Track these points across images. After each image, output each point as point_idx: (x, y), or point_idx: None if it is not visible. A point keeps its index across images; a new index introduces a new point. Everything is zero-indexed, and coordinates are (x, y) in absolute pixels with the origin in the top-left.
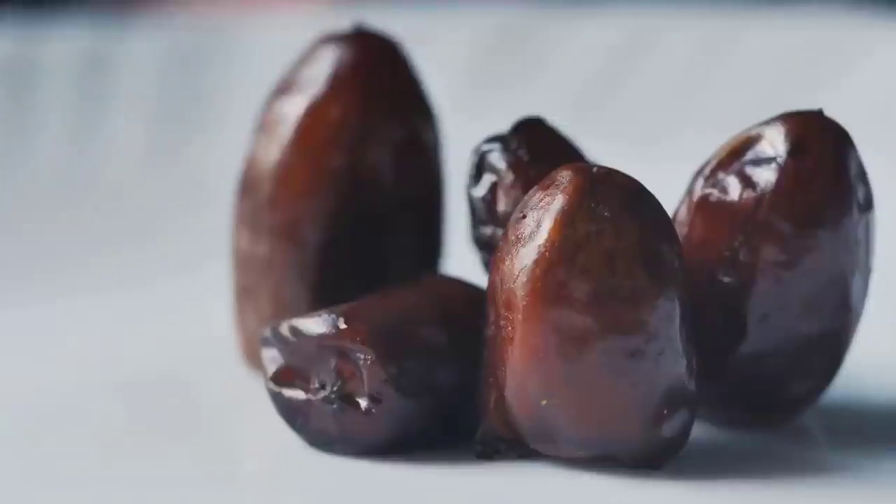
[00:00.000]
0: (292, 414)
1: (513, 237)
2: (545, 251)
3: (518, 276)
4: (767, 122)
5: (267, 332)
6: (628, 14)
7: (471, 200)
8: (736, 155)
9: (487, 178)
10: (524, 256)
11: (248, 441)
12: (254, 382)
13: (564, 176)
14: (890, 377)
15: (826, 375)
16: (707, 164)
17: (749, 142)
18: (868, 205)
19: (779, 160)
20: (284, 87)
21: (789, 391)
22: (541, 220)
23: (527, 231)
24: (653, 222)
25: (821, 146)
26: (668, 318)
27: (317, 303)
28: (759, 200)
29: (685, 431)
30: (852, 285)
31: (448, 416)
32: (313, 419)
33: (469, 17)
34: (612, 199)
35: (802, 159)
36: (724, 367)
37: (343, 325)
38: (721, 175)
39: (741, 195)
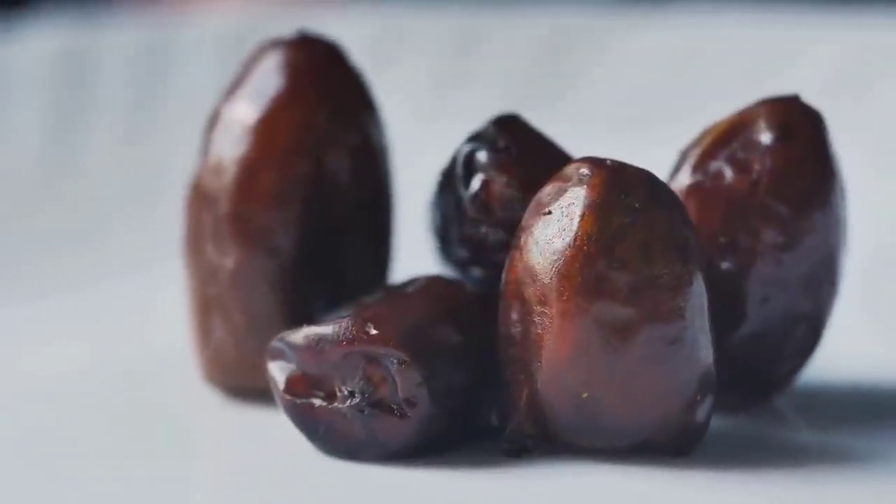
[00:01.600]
0: (313, 424)
1: (539, 234)
2: (583, 245)
3: (552, 271)
4: (749, 109)
5: (276, 343)
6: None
7: (459, 201)
8: (722, 142)
9: (478, 178)
10: (557, 252)
11: (206, 453)
12: (206, 390)
13: (585, 170)
14: (852, 356)
15: (808, 354)
16: (688, 153)
17: (734, 128)
18: (844, 185)
19: (769, 145)
20: (234, 93)
21: (776, 372)
22: (570, 214)
23: (555, 227)
24: (678, 210)
25: (806, 130)
26: (699, 304)
27: (290, 312)
28: (754, 185)
29: (710, 416)
30: (839, 264)
31: (468, 417)
32: (338, 427)
33: (416, 21)
34: (638, 190)
35: (791, 143)
36: (720, 352)
37: (374, 331)
38: (711, 162)
39: (735, 181)
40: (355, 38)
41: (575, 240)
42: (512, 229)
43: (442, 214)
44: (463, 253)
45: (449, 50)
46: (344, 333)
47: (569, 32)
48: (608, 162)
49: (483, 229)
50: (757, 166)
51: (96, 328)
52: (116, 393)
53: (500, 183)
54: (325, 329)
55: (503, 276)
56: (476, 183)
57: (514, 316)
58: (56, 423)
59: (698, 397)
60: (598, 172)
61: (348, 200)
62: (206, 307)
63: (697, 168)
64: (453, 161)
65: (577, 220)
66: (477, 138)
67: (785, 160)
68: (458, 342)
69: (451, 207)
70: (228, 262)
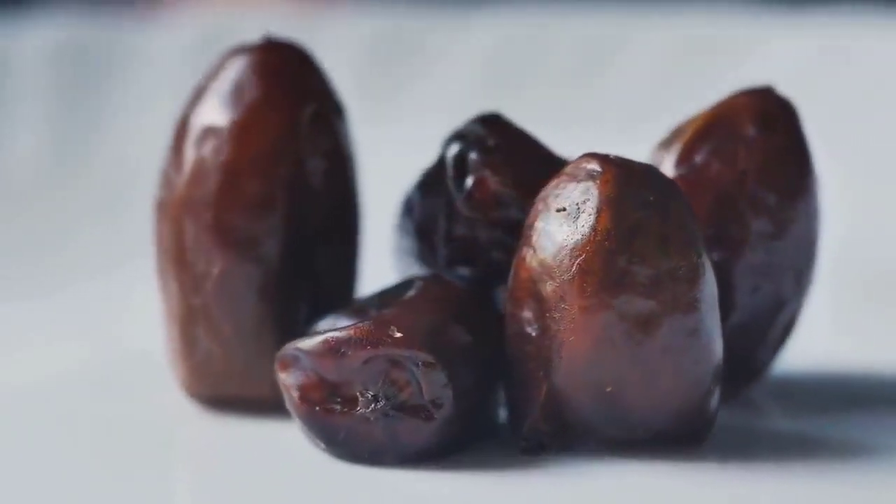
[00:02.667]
0: (332, 430)
1: (553, 231)
2: (603, 241)
3: (573, 268)
4: (726, 102)
5: (287, 352)
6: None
7: (448, 201)
8: (704, 135)
9: (471, 178)
10: (576, 249)
11: (187, 464)
12: (183, 398)
13: (593, 166)
14: (816, 343)
15: (785, 342)
16: (668, 147)
17: (714, 121)
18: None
19: (754, 135)
20: (202, 99)
21: (758, 360)
22: (586, 211)
23: (570, 224)
24: (684, 202)
25: (785, 119)
26: (712, 294)
27: (277, 318)
28: (742, 176)
29: (718, 405)
30: (818, 252)
31: (478, 417)
32: (359, 432)
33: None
34: (649, 184)
35: (774, 133)
36: None
37: (398, 334)
38: (695, 156)
39: (721, 173)
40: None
41: (595, 235)
42: (507, 227)
43: (422, 215)
44: (452, 252)
45: (378, 52)
46: (367, 337)
47: (515, 32)
48: (613, 157)
49: (477, 228)
50: (743, 157)
51: (63, 334)
52: (90, 402)
53: (494, 182)
54: (345, 334)
55: (512, 274)
56: (470, 183)
57: (529, 314)
58: (28, 433)
59: (712, 387)
60: (609, 168)
61: (324, 204)
62: (190, 317)
63: (681, 162)
64: (438, 162)
65: (594, 215)
66: (462, 138)
67: (770, 150)
68: (468, 342)
69: (434, 208)
70: (214, 270)
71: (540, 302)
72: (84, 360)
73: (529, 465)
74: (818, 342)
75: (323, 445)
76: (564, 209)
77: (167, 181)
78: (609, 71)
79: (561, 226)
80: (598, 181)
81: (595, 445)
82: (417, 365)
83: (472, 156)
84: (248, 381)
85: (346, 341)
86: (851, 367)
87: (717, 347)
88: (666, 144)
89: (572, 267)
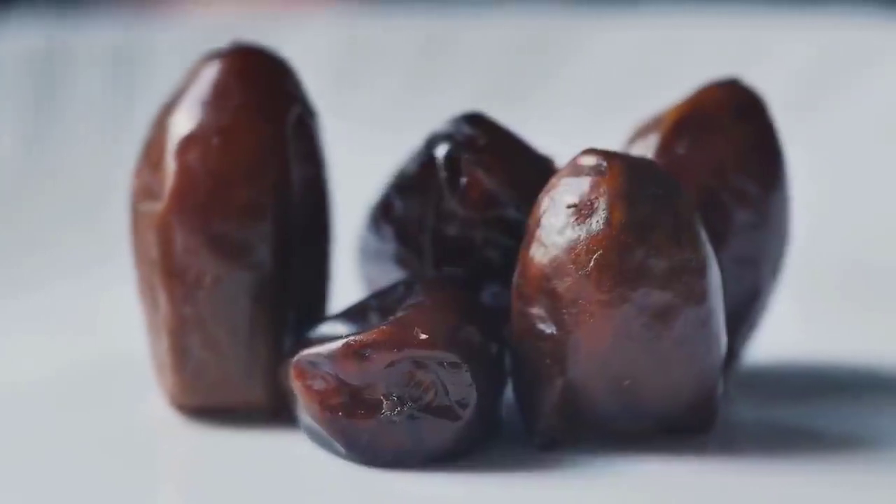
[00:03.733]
0: (355, 435)
1: (563, 228)
2: (619, 235)
3: (590, 264)
4: (698, 94)
5: (303, 360)
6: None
7: (438, 201)
8: (680, 127)
9: (464, 178)
10: (591, 243)
11: (172, 472)
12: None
13: (598, 161)
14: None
15: (752, 333)
16: (643, 140)
17: (689, 113)
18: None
19: (731, 126)
20: (180, 107)
21: (733, 348)
22: (597, 206)
23: (582, 219)
24: (686, 194)
25: (758, 110)
26: (718, 284)
27: (271, 324)
28: (721, 166)
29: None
30: (790, 241)
31: (495, 415)
32: (383, 436)
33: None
34: (653, 176)
35: (749, 123)
36: None
37: (423, 335)
38: (673, 148)
39: (701, 164)
40: None
41: (610, 230)
42: (503, 226)
43: (403, 217)
44: (442, 253)
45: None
46: (391, 340)
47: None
48: (614, 152)
49: (471, 228)
50: (721, 147)
51: (38, 336)
52: (68, 405)
53: (488, 181)
54: (368, 337)
55: (518, 271)
56: (464, 182)
57: (541, 311)
58: (5, 438)
59: (719, 375)
60: (614, 162)
61: (306, 208)
62: (182, 328)
63: (660, 154)
64: (420, 162)
65: (607, 210)
66: (449, 138)
67: (746, 140)
68: (481, 341)
69: (416, 209)
70: (206, 278)
71: (553, 298)
72: (61, 362)
73: (545, 463)
74: (778, 331)
75: (343, 451)
76: (575, 205)
77: (147, 191)
78: (564, 70)
79: (572, 222)
80: (605, 175)
81: (605, 438)
82: (443, 365)
83: (466, 156)
84: (242, 388)
85: (370, 344)
86: (813, 357)
87: (724, 337)
88: (641, 136)
89: (589, 262)
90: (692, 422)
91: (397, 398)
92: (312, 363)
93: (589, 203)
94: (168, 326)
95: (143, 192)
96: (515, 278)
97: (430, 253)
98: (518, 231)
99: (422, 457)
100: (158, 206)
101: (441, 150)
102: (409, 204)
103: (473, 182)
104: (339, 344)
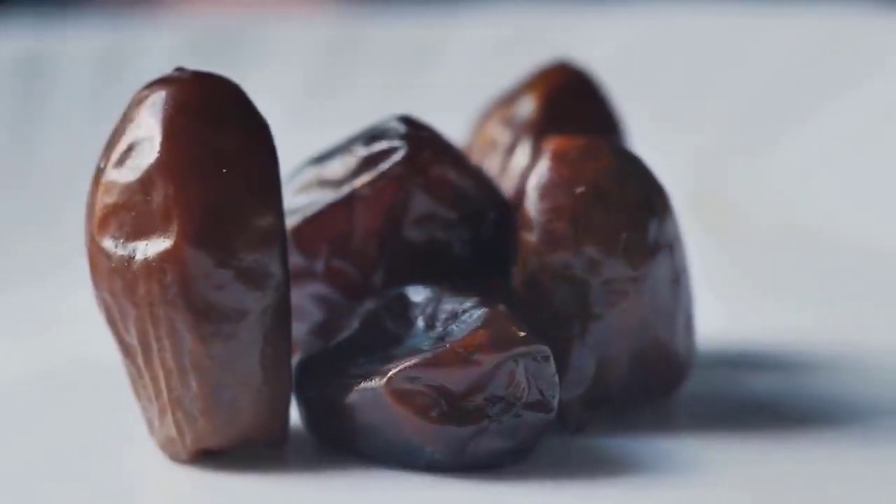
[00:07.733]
0: (460, 445)
1: (569, 217)
2: (637, 213)
3: (619, 243)
4: (543, 74)
5: (402, 379)
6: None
7: (391, 207)
8: (548, 110)
9: (426, 175)
10: (613, 226)
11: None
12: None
13: (574, 146)
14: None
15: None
16: (514, 128)
17: (547, 91)
18: None
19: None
20: (139, 149)
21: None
22: (598, 192)
23: (584, 206)
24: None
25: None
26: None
27: (289, 353)
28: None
29: None
30: None
31: None
32: (487, 440)
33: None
34: (619, 157)
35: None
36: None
37: (521, 333)
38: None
39: None
40: None
41: (621, 211)
42: (470, 219)
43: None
44: (395, 265)
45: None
46: (496, 341)
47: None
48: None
49: (432, 229)
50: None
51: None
52: (35, 411)
53: (453, 175)
54: (472, 340)
55: (522, 263)
56: (429, 179)
57: (564, 296)
58: None
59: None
60: (591, 146)
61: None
62: (213, 366)
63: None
64: (367, 165)
65: (608, 196)
66: (404, 138)
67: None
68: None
69: (365, 218)
70: (233, 311)
71: (574, 284)
72: (24, 367)
73: (587, 450)
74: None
75: (447, 459)
76: (584, 190)
77: (139, 230)
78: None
79: (572, 211)
80: (589, 161)
81: (621, 414)
82: (536, 359)
83: (426, 154)
84: (267, 422)
85: (477, 347)
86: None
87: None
88: (504, 122)
89: (617, 243)
90: (679, 383)
91: (503, 399)
92: (411, 378)
93: (587, 190)
94: (199, 367)
95: (136, 231)
96: (518, 273)
97: (382, 269)
98: (486, 224)
99: (519, 453)
100: (163, 249)
101: (397, 152)
102: (352, 212)
103: (439, 178)
104: (438, 351)
